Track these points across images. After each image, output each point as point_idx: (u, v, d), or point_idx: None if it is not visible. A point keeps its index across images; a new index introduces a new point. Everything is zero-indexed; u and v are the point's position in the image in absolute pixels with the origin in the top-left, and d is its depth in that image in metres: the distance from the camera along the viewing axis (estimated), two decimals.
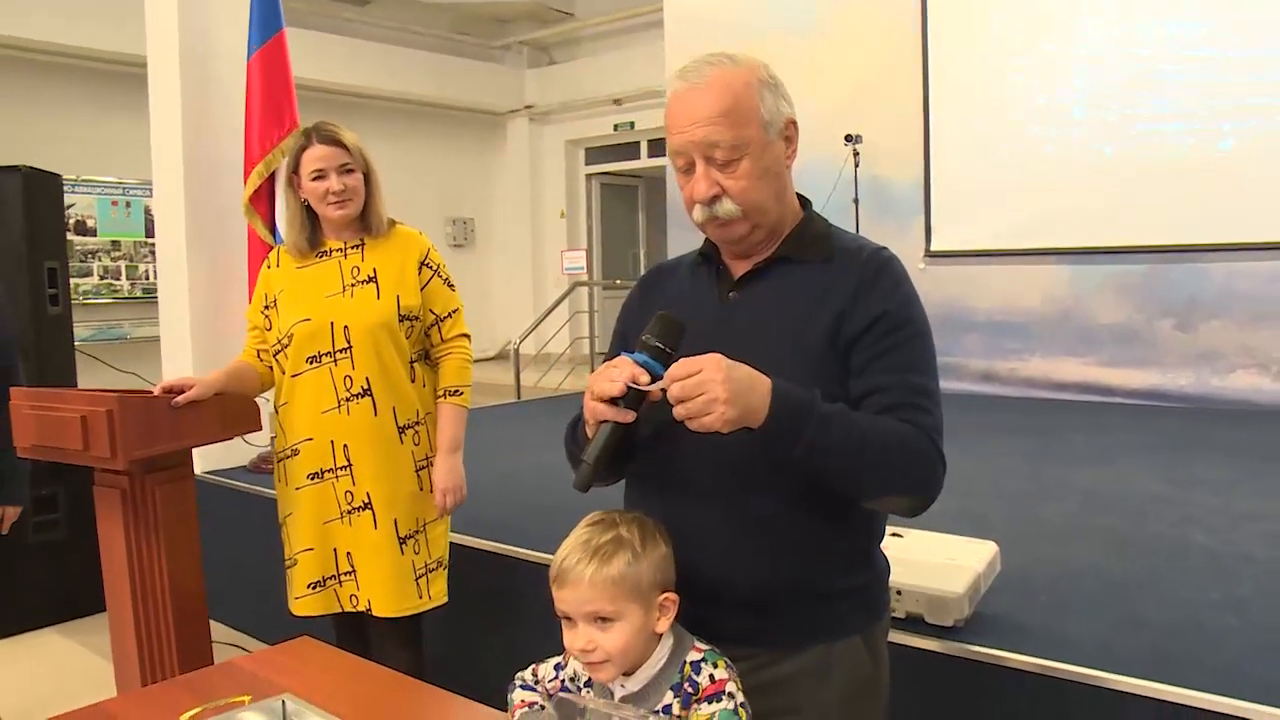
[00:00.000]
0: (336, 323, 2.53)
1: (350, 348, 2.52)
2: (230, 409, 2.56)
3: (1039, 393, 6.39)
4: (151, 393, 2.46)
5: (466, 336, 2.70)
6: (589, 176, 12.90)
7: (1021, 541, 2.97)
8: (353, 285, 2.56)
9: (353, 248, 2.60)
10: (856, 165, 7.01)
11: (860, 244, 1.58)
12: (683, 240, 8.15)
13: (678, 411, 1.30)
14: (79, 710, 1.61)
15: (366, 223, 2.60)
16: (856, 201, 6.98)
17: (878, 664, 1.56)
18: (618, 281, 11.81)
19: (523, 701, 1.48)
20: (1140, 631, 2.25)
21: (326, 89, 10.05)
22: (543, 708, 1.45)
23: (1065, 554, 2.90)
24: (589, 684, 1.45)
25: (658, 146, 11.28)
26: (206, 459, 4.28)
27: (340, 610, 2.60)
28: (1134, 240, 6.15)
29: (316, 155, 2.53)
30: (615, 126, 12.11)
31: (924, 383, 1.46)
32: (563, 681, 1.49)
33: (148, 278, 8.78)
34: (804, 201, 1.62)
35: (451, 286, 2.69)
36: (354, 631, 2.67)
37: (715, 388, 1.27)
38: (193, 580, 2.56)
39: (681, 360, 1.32)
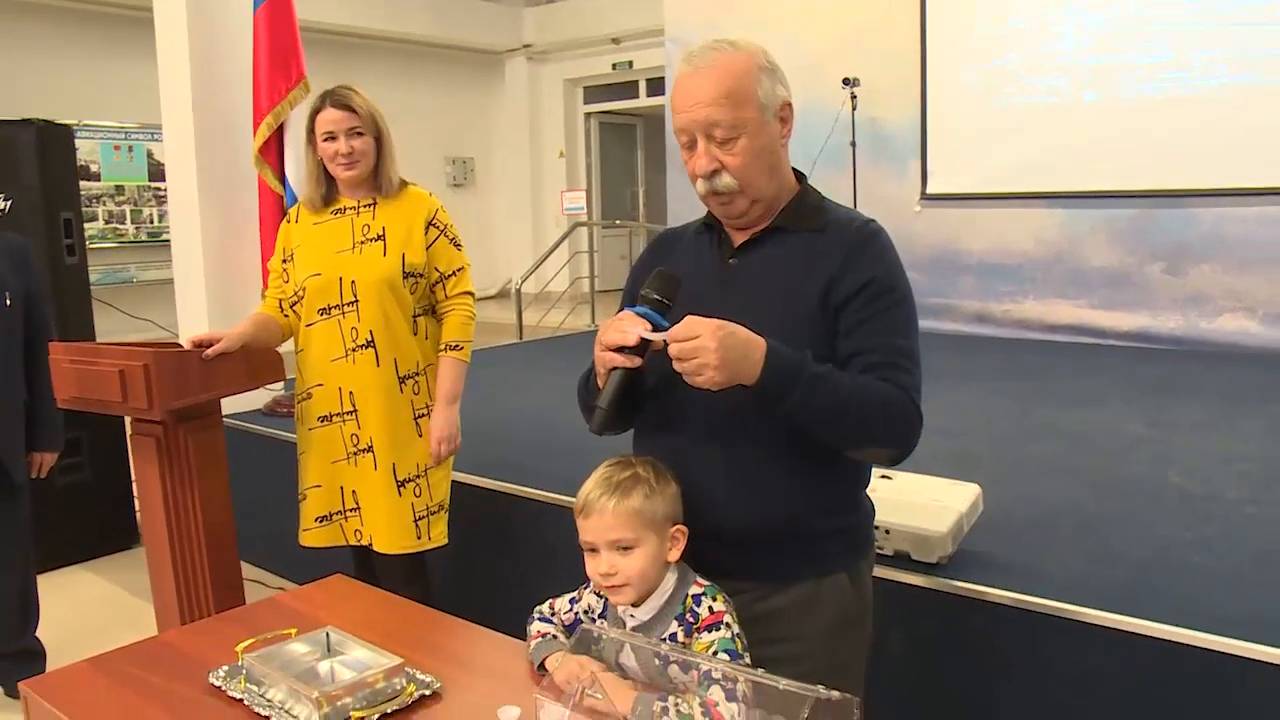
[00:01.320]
0: (345, 278, 2.68)
1: (357, 301, 2.68)
2: (256, 361, 2.69)
3: (1032, 334, 6.52)
4: (182, 347, 2.60)
5: (470, 295, 2.83)
6: (587, 115, 12.90)
7: (1007, 481, 3.13)
8: (362, 242, 2.70)
9: (365, 206, 2.73)
10: (854, 108, 7.06)
11: (851, 216, 1.71)
12: (682, 181, 8.22)
13: (675, 366, 1.45)
14: (144, 641, 1.77)
15: (377, 183, 2.73)
16: (854, 144, 7.05)
17: (862, 598, 1.72)
18: (617, 221, 11.89)
19: (538, 632, 1.64)
20: (1112, 567, 2.42)
21: (326, 29, 10.02)
22: (555, 637, 1.62)
23: (1047, 494, 3.06)
24: (603, 615, 1.61)
25: (656, 85, 11.28)
26: (225, 403, 4.43)
27: (345, 543, 2.79)
28: (1126, 185, 6.25)
29: (328, 118, 2.66)
30: (614, 65, 12.09)
31: (906, 345, 1.60)
32: (577, 614, 1.65)
33: (152, 222, 8.87)
34: (800, 176, 1.74)
35: (458, 246, 2.81)
36: (369, 568, 2.84)
37: (708, 354, 1.42)
38: (224, 520, 2.72)
39: (684, 321, 1.46)
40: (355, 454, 2.73)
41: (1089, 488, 3.12)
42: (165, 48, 4.70)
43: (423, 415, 2.76)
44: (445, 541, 2.82)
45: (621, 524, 1.52)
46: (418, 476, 2.74)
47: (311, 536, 2.80)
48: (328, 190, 2.77)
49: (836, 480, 1.67)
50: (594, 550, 1.55)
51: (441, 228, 2.76)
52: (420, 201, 2.77)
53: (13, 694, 3.24)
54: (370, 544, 2.74)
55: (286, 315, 2.81)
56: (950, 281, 6.89)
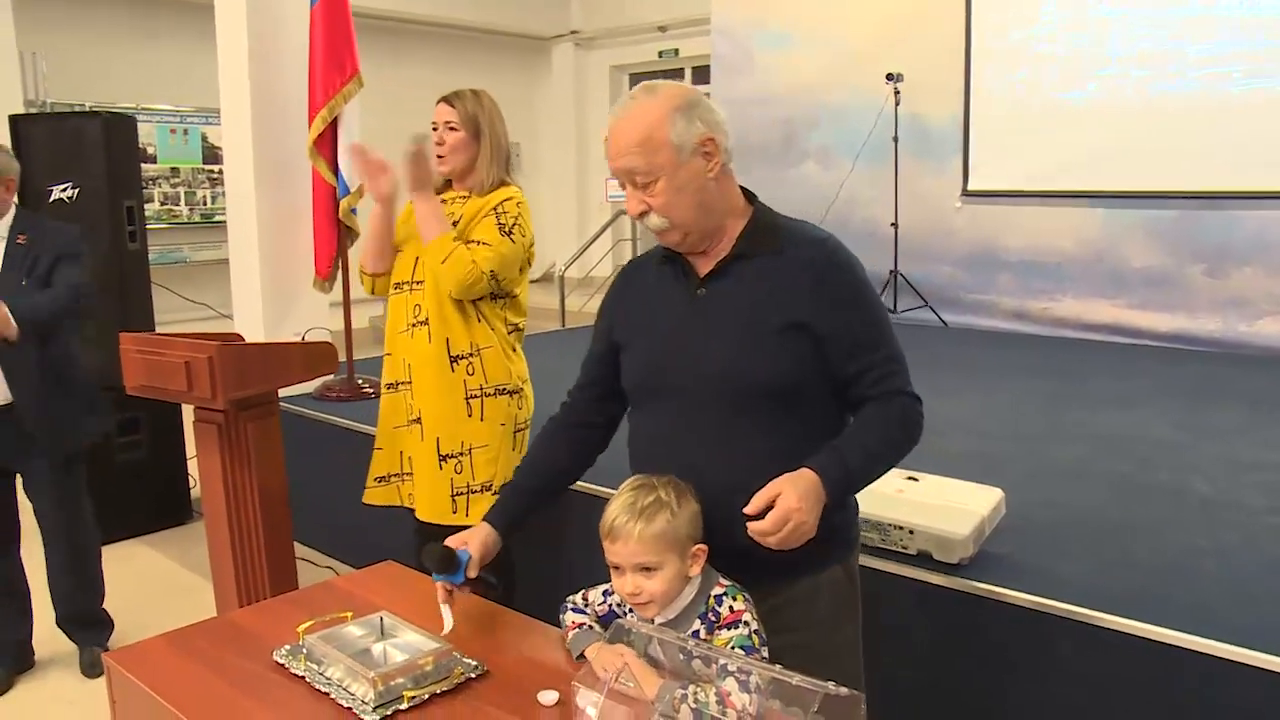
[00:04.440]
0: (420, 258, 2.87)
1: (423, 282, 2.86)
2: (312, 354, 2.85)
3: (1069, 332, 6.53)
4: (243, 339, 2.76)
5: (482, 260, 2.77)
6: None
7: (1031, 484, 3.21)
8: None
9: (460, 199, 2.93)
10: (897, 103, 7.10)
11: (805, 233, 1.83)
12: None
13: (772, 542, 1.60)
14: (213, 619, 1.92)
15: (473, 180, 2.91)
16: (896, 140, 7.09)
17: (853, 585, 1.91)
18: None
19: (574, 623, 1.77)
20: (1129, 573, 2.50)
21: (375, 14, 10.16)
22: (590, 628, 1.74)
23: (1070, 497, 3.14)
24: (632, 610, 1.73)
25: (701, 74, 11.30)
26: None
27: (400, 504, 2.97)
28: (1168, 185, 6.25)
29: (436, 111, 2.91)
30: (660, 53, 12.15)
31: (891, 351, 1.79)
32: (611, 605, 1.77)
33: (205, 204, 9.08)
34: (750, 196, 1.87)
35: (506, 232, 2.81)
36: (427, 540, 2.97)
37: (798, 515, 1.60)
38: (279, 503, 2.88)
39: (756, 497, 1.61)
40: (411, 422, 2.91)
41: (1112, 492, 3.20)
42: (225, 37, 4.85)
43: (475, 396, 2.87)
44: None
45: (646, 549, 1.62)
46: (460, 454, 2.86)
47: (370, 495, 3.00)
48: (443, 182, 2.97)
49: None
50: (619, 570, 1.65)
51: (499, 212, 2.84)
52: (500, 194, 2.90)
53: (87, 659, 3.44)
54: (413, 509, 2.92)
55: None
56: (989, 278, 6.93)
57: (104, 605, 3.57)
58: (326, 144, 4.51)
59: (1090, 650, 2.22)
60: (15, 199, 3.28)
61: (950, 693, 2.47)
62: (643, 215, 1.75)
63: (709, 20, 8.75)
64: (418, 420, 2.89)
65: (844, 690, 1.21)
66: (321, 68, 4.50)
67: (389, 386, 2.97)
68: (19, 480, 3.40)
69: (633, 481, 1.70)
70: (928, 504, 2.60)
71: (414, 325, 2.88)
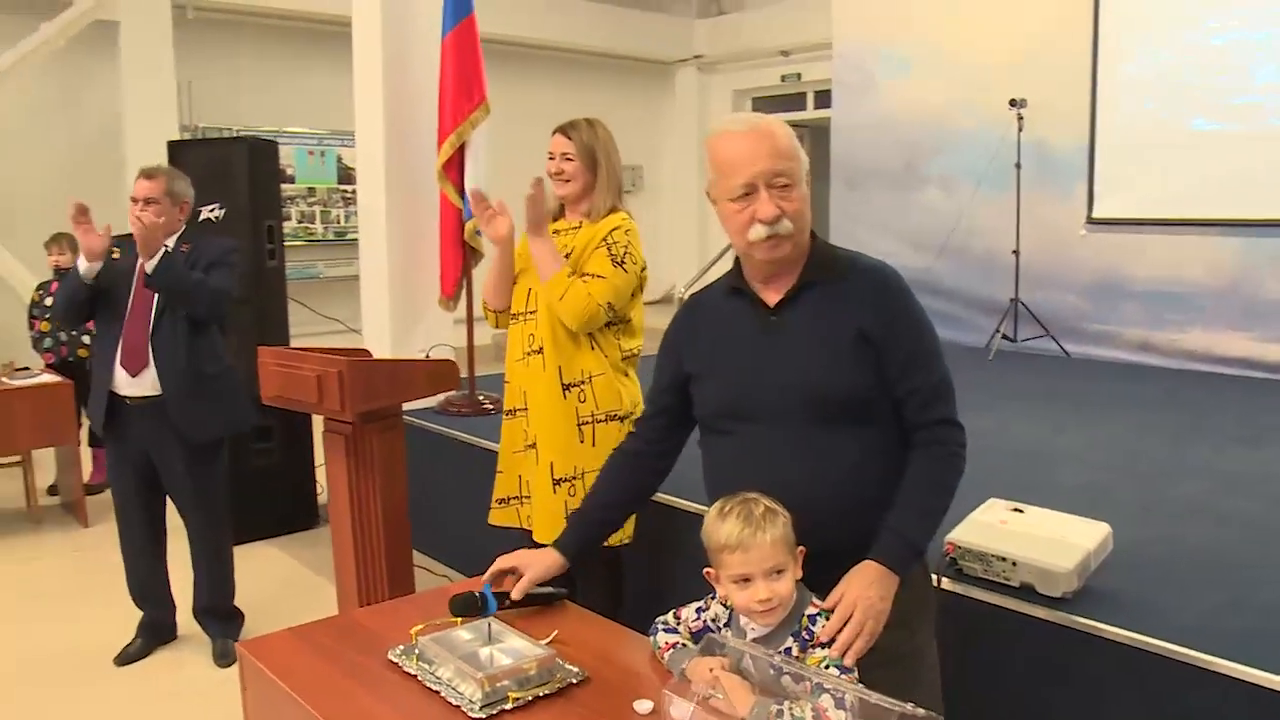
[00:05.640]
0: (532, 289, 3.00)
1: (536, 312, 2.98)
2: (435, 371, 3.00)
3: (1198, 365, 6.31)
4: (371, 355, 2.93)
5: (597, 294, 2.87)
6: None
7: (1145, 520, 3.15)
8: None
9: (571, 229, 3.04)
10: (1020, 129, 6.99)
11: (864, 260, 1.95)
12: (842, 195, 8.32)
13: (852, 651, 1.69)
14: (335, 617, 2.06)
15: (588, 207, 3.03)
16: (1019, 166, 6.98)
17: (928, 581, 2.04)
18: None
19: (668, 643, 1.83)
20: (1242, 615, 2.44)
21: (502, 41, 10.49)
22: (685, 645, 1.81)
23: (1186, 535, 3.07)
24: (727, 624, 1.80)
25: (823, 98, 11.31)
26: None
27: (519, 526, 3.07)
28: None
29: (552, 142, 3.04)
30: (783, 77, 12.22)
31: (941, 377, 1.91)
32: (705, 622, 1.84)
33: (339, 222, 9.51)
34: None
35: (618, 263, 2.91)
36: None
37: (874, 611, 1.71)
38: (399, 512, 3.04)
39: (836, 613, 1.71)
40: (527, 448, 3.03)
41: (1232, 531, 3.11)
42: (361, 63, 5.10)
43: (586, 423, 2.96)
44: (610, 544, 3.01)
45: (776, 552, 1.70)
46: (574, 478, 2.96)
47: (493, 515, 3.14)
48: (557, 209, 3.10)
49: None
50: (748, 580, 1.71)
51: (609, 243, 2.95)
52: (610, 223, 3.00)
53: (219, 649, 3.68)
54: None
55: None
56: (1113, 308, 6.76)
57: (235, 601, 3.81)
58: (454, 168, 4.71)
59: (1194, 691, 2.19)
60: (185, 219, 3.65)
61: None
62: (775, 221, 1.81)
63: (830, 45, 8.76)
64: (533, 445, 3.01)
65: (921, 711, 1.26)
66: (451, 94, 4.70)
67: (508, 413, 3.10)
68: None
69: (726, 500, 1.77)
70: (1032, 535, 2.59)
71: (529, 354, 3.00)
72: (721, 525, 1.74)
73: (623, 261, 2.93)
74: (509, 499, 3.10)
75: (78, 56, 8.31)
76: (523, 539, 3.12)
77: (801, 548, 1.75)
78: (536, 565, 2.03)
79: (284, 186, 8.98)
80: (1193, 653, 2.19)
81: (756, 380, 1.89)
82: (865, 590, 1.73)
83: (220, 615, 3.76)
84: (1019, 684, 2.49)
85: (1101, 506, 3.01)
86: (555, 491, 2.97)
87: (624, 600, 3.00)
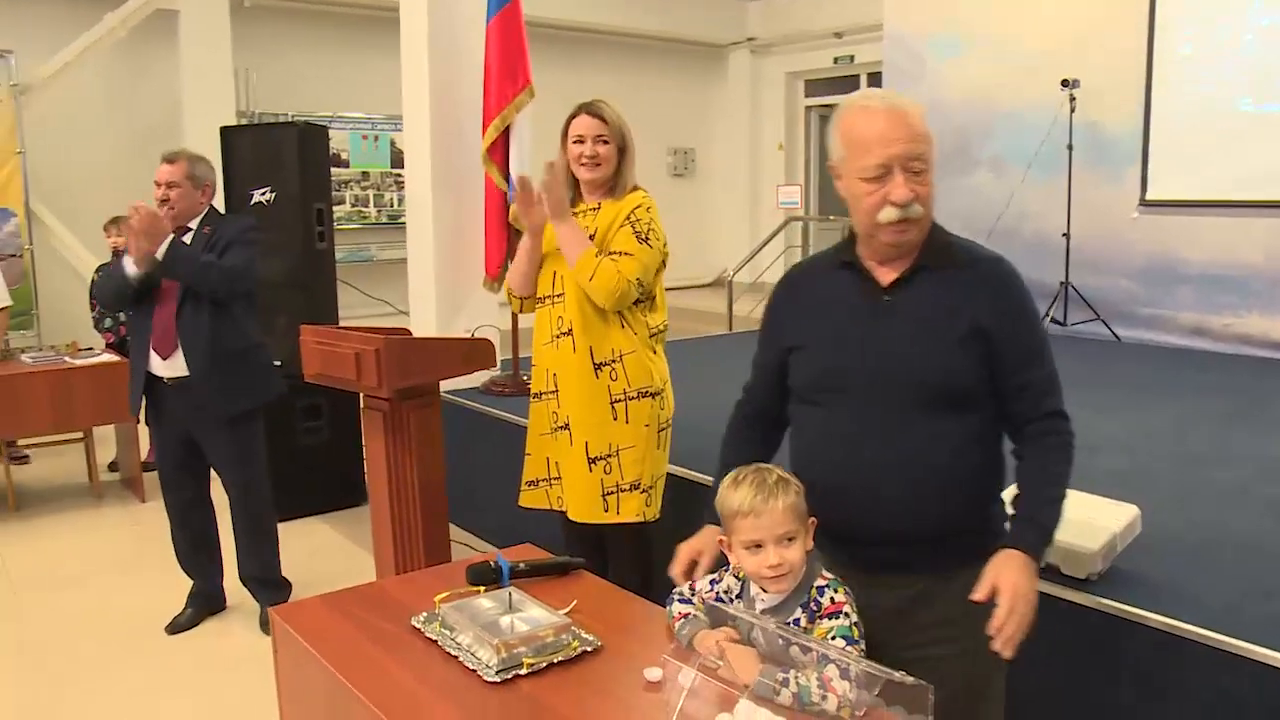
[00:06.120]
0: (559, 272, 3.02)
1: (563, 294, 3.01)
2: (470, 349, 3.06)
3: (1254, 350, 6.20)
4: (410, 334, 3.00)
5: (627, 271, 2.90)
6: (808, 109, 12.99)
7: (1182, 504, 3.12)
8: None
9: (591, 210, 3.04)
10: (1072, 111, 6.90)
11: (981, 250, 1.93)
12: None
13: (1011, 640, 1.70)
14: (363, 585, 2.13)
15: (612, 187, 3.03)
16: (1070, 148, 6.89)
17: None
18: (830, 217, 11.93)
19: (681, 613, 1.87)
20: (1271, 600, 2.42)
21: (555, 24, 10.56)
22: (696, 617, 1.85)
23: (1223, 520, 3.04)
24: (739, 596, 1.83)
25: (876, 80, 11.19)
26: (447, 381, 4.91)
27: (550, 508, 3.12)
28: None
29: (581, 124, 3.00)
30: (835, 59, 12.13)
31: (1051, 370, 1.90)
32: (718, 594, 1.88)
33: (392, 205, 9.64)
34: None
35: (643, 239, 2.94)
36: (578, 536, 3.14)
37: (1031, 601, 1.72)
38: (436, 486, 3.11)
39: (1002, 605, 1.70)
40: (556, 430, 3.06)
41: (1268, 516, 3.07)
42: (409, 48, 5.15)
43: (619, 400, 3.01)
44: (642, 518, 3.04)
45: (788, 519, 1.74)
46: (609, 456, 3.01)
47: (523, 498, 3.18)
48: (574, 192, 3.08)
49: (989, 475, 1.92)
50: (759, 546, 1.75)
51: (633, 221, 2.97)
52: (630, 201, 3.02)
53: (264, 616, 3.81)
54: (565, 510, 3.07)
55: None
56: (1166, 291, 6.66)
57: (282, 571, 3.92)
58: (499, 151, 4.76)
59: (1220, 675, 2.18)
60: (209, 203, 3.72)
61: (1068, 706, 2.46)
62: (908, 204, 1.79)
63: (882, 26, 8.68)
64: (565, 427, 3.04)
65: (910, 680, 1.29)
66: (496, 78, 4.75)
67: (535, 396, 3.13)
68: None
69: (741, 471, 1.81)
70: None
71: (558, 336, 3.03)
72: (735, 492, 1.77)
73: (647, 238, 2.96)
74: (538, 481, 3.15)
75: (139, 45, 8.54)
76: (556, 520, 3.18)
77: (813, 519, 1.78)
78: (707, 550, 1.98)
79: (338, 171, 9.15)
80: (1223, 637, 2.18)
81: (859, 354, 1.86)
82: (1019, 580, 1.72)
83: (267, 584, 3.87)
84: (1043, 666, 2.49)
85: (1138, 491, 2.99)
86: (591, 470, 3.01)
87: (653, 575, 3.05)
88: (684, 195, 12.74)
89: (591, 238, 2.97)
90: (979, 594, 1.72)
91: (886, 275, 1.89)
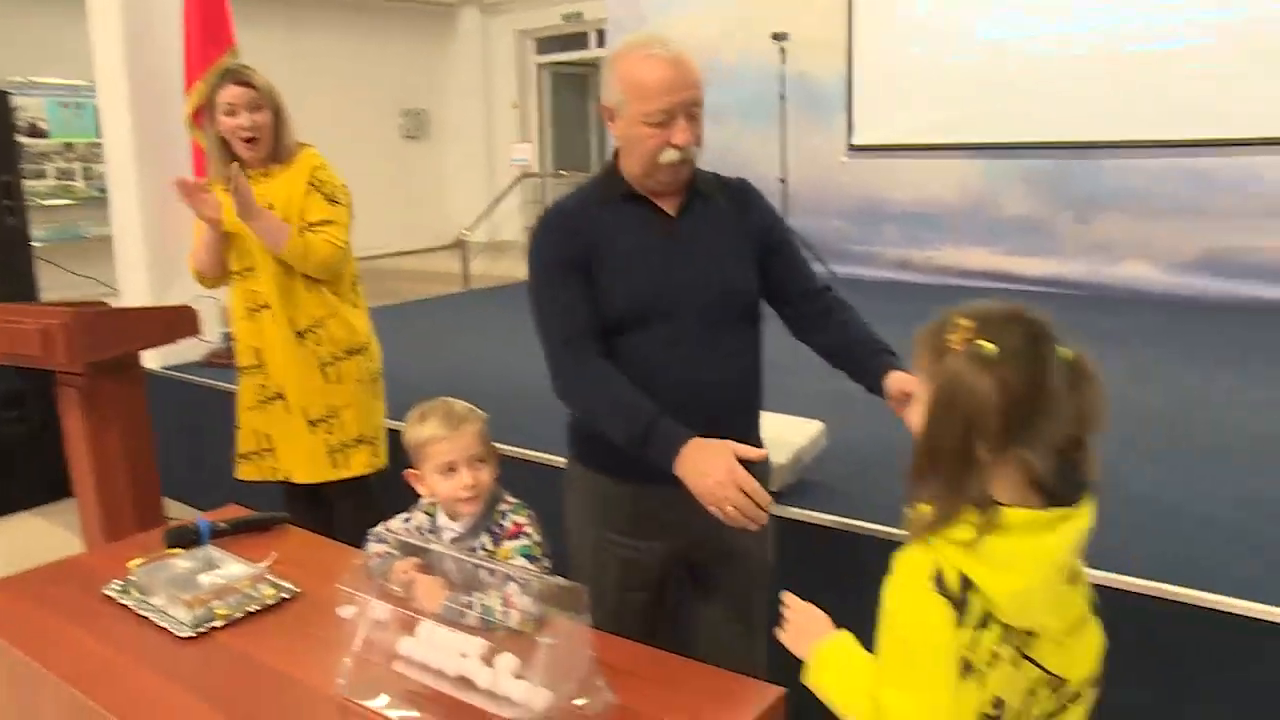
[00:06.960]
0: (246, 246, 2.94)
1: (253, 268, 2.96)
2: (170, 316, 2.96)
3: (950, 280, 6.82)
4: (105, 305, 2.86)
5: (336, 238, 2.90)
6: (539, 67, 13.03)
7: (870, 417, 3.42)
8: None
9: (261, 175, 2.94)
10: (783, 62, 7.28)
11: (729, 179, 2.14)
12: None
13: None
14: (53, 563, 2.06)
15: (275, 153, 2.94)
16: (783, 98, 7.29)
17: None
18: (561, 173, 12.09)
19: (376, 552, 1.92)
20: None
21: None
22: (391, 554, 1.91)
23: (894, 431, 3.35)
24: (431, 531, 1.90)
25: (605, 37, 11.42)
26: (167, 355, 4.69)
27: (267, 479, 3.09)
28: (1042, 137, 6.54)
29: (230, 94, 2.87)
30: (564, 17, 12.21)
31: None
32: (411, 530, 1.94)
33: (103, 179, 8.99)
34: None
35: (334, 201, 2.93)
36: (303, 500, 3.11)
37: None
38: (146, 461, 3.00)
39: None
40: (265, 401, 3.02)
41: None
42: (97, 8, 4.85)
43: (329, 364, 3.00)
44: (372, 469, 3.08)
45: (478, 441, 1.84)
46: (329, 417, 3.01)
47: (240, 470, 3.12)
48: (230, 162, 2.91)
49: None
50: (453, 469, 1.83)
51: (318, 184, 2.93)
52: (304, 164, 2.95)
53: None
54: (289, 479, 3.05)
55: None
56: (875, 230, 7.20)
57: None
58: (205, 115, 4.56)
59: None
60: None
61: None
62: (687, 147, 1.90)
63: None
64: (278, 396, 3.01)
65: (563, 581, 1.40)
66: (197, 40, 4.55)
67: (241, 370, 3.07)
68: None
69: (424, 403, 1.90)
70: None
71: (255, 310, 2.98)
72: (425, 423, 1.86)
73: (336, 198, 2.95)
74: (250, 454, 3.10)
75: None
76: (290, 491, 3.14)
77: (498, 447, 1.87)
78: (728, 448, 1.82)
79: (36, 142, 8.46)
80: (890, 530, 2.45)
81: (666, 282, 1.94)
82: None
83: None
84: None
85: (833, 408, 3.24)
86: (313, 431, 3.00)
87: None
88: (418, 157, 12.58)
89: (271, 208, 2.87)
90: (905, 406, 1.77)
91: (669, 205, 2.00)
